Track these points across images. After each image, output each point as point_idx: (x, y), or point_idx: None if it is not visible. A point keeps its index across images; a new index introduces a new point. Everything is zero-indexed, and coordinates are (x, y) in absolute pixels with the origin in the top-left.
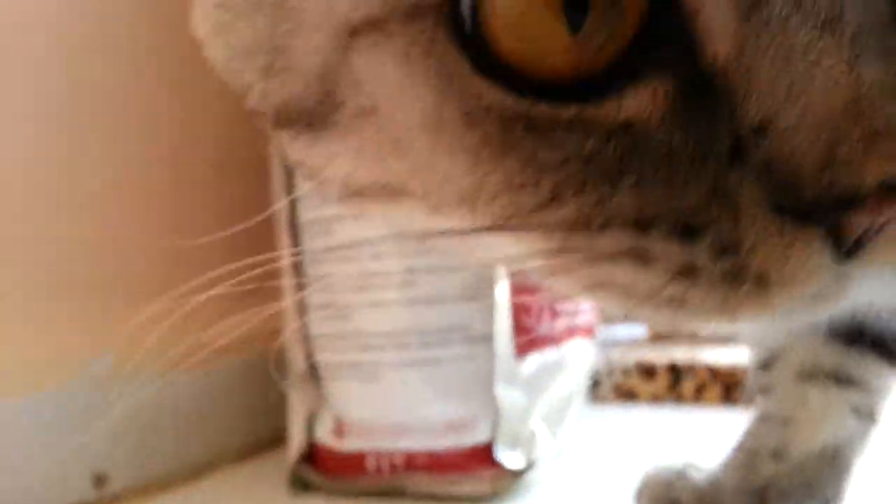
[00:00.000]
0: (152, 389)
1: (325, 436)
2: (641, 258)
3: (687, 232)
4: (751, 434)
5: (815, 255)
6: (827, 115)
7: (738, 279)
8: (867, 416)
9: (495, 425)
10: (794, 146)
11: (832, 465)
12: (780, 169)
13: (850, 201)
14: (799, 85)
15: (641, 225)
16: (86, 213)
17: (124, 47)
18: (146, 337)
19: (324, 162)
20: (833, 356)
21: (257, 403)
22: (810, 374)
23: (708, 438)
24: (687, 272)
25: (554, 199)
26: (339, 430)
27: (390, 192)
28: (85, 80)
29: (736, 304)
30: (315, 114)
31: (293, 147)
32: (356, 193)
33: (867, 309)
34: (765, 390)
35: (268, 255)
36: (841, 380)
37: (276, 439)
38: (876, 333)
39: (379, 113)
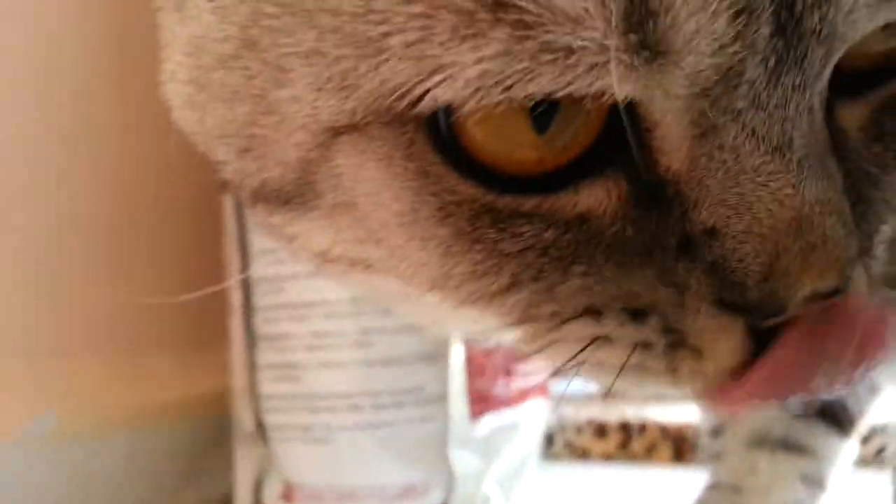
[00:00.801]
0: (93, 450)
1: (273, 499)
2: (603, 340)
3: (637, 313)
4: (702, 502)
5: (739, 338)
6: (773, 230)
7: (680, 352)
8: (816, 483)
9: (449, 490)
10: (743, 254)
11: None
12: (729, 271)
13: (781, 309)
14: (748, 201)
15: (596, 310)
16: (33, 264)
17: (71, 92)
18: (88, 395)
19: (300, 234)
20: (783, 424)
21: (204, 465)
22: (760, 442)
23: (659, 498)
24: (643, 346)
25: (513, 284)
26: (288, 494)
27: (365, 267)
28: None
29: (678, 373)
30: (293, 197)
31: (270, 218)
32: (330, 262)
33: None
34: (715, 457)
35: (217, 312)
36: (790, 447)
37: (223, 502)
38: (825, 402)
39: (358, 207)
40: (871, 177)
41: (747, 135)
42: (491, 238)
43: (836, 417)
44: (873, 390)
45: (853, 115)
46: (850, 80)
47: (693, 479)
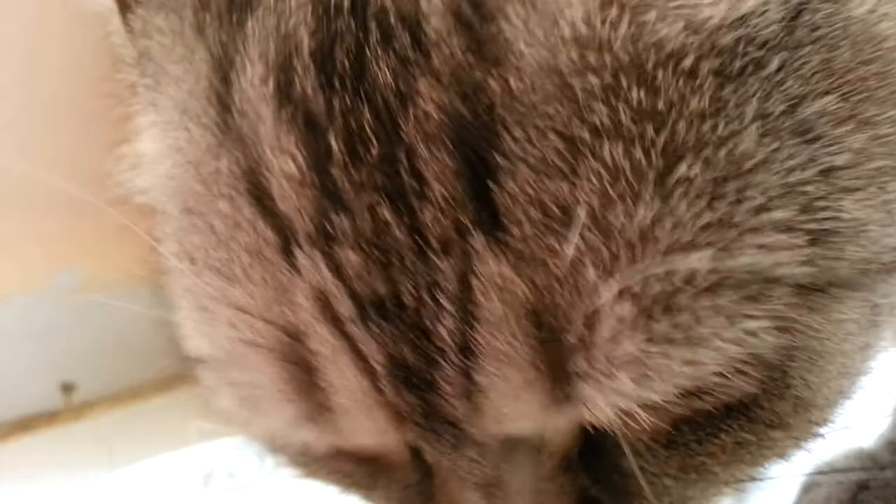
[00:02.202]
0: (120, 301)
1: None
2: None
3: None
4: None
5: None
6: None
7: None
8: None
9: None
10: None
11: None
12: None
13: None
14: None
15: None
16: (54, 128)
17: None
18: (115, 249)
19: None
20: None
21: None
22: None
23: None
24: None
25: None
26: None
27: None
28: None
29: None
30: None
31: None
32: None
33: None
34: None
35: None
36: None
37: None
38: None
39: None
40: (656, 476)
41: (459, 475)
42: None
43: None
44: None
45: (640, 424)
46: None
47: None
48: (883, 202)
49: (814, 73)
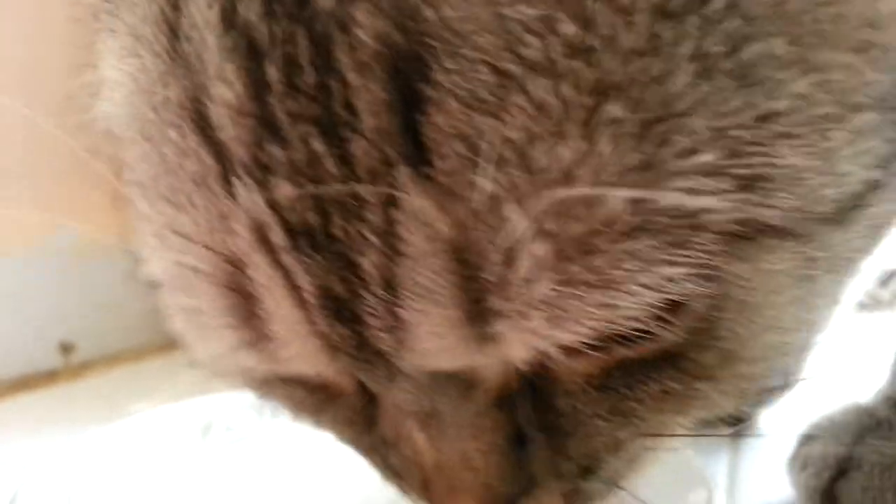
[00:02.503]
0: (120, 261)
1: None
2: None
3: (376, 450)
4: None
5: None
6: (421, 468)
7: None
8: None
9: None
10: (402, 470)
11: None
12: (402, 475)
13: None
14: (403, 437)
15: (349, 444)
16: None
17: None
18: (110, 209)
19: None
20: None
21: None
22: None
23: None
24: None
25: (297, 415)
26: None
27: None
28: None
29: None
30: None
31: None
32: None
33: None
34: None
35: None
36: None
37: None
38: None
39: None
40: (588, 417)
41: (397, 405)
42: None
43: None
44: None
45: (576, 368)
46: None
47: None
48: (823, 150)
49: (762, 14)
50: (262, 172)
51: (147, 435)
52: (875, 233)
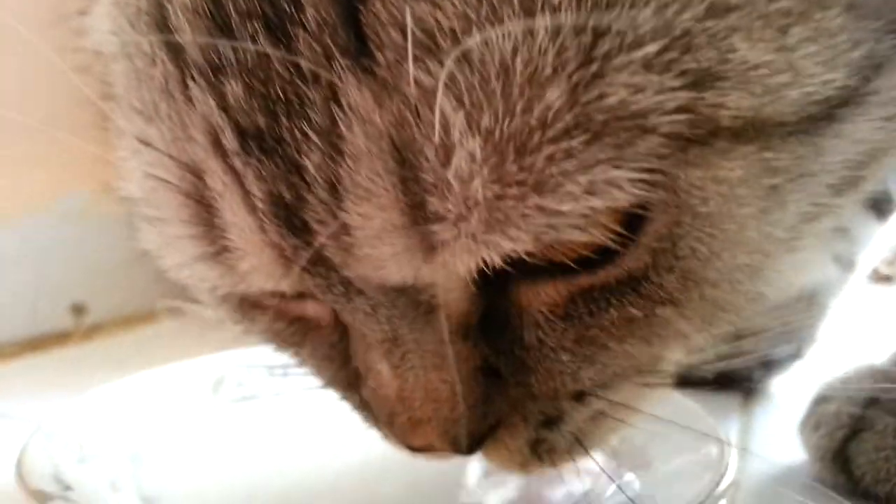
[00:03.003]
0: (124, 226)
1: None
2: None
3: (351, 386)
4: None
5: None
6: (386, 399)
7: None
8: (847, 264)
9: None
10: (371, 400)
11: (808, 308)
12: (372, 410)
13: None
14: (370, 369)
15: (327, 382)
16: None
17: None
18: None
19: None
20: None
21: None
22: None
23: None
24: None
25: (271, 347)
26: None
27: None
28: None
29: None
30: None
31: None
32: None
33: None
34: None
35: None
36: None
37: None
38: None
39: None
40: (553, 350)
41: (363, 332)
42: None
43: (879, 205)
44: None
45: (539, 296)
46: (543, 265)
47: None
48: (781, 47)
49: None
50: (214, 74)
51: (159, 390)
52: (864, 159)
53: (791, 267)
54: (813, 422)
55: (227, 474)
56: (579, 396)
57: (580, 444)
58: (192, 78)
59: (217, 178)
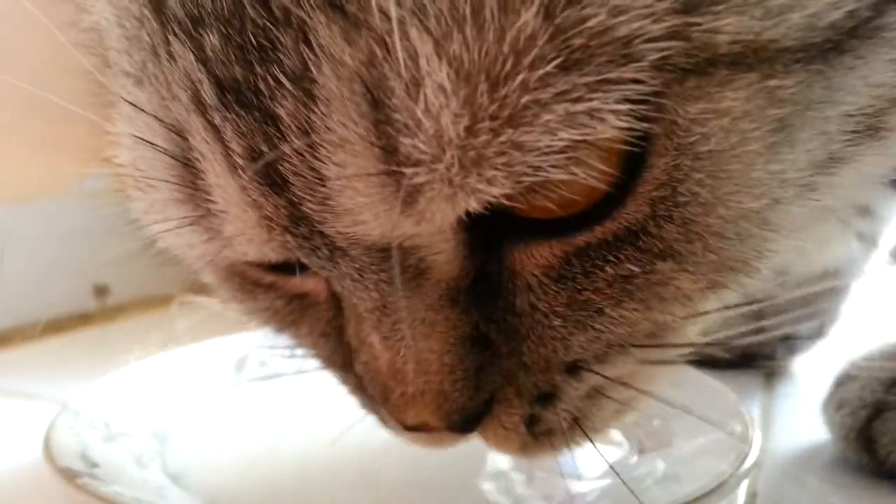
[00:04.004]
0: None
1: None
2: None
3: (347, 365)
4: None
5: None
6: (378, 373)
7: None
8: (870, 241)
9: None
10: (365, 375)
11: (831, 286)
12: (367, 387)
13: (403, 425)
14: (363, 343)
15: (325, 361)
16: None
17: None
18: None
19: None
20: None
21: None
22: None
23: None
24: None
25: (272, 328)
26: None
27: None
28: None
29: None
30: None
31: None
32: None
33: None
34: None
35: None
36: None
37: None
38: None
39: None
40: (545, 315)
41: (353, 303)
42: (257, 297)
43: None
44: None
45: (533, 258)
46: (536, 225)
47: None
48: None
49: None
50: (193, 26)
51: (183, 369)
52: (882, 105)
53: (808, 223)
54: (836, 401)
55: (249, 452)
56: (573, 370)
57: (579, 427)
58: (174, 32)
59: (199, 137)
